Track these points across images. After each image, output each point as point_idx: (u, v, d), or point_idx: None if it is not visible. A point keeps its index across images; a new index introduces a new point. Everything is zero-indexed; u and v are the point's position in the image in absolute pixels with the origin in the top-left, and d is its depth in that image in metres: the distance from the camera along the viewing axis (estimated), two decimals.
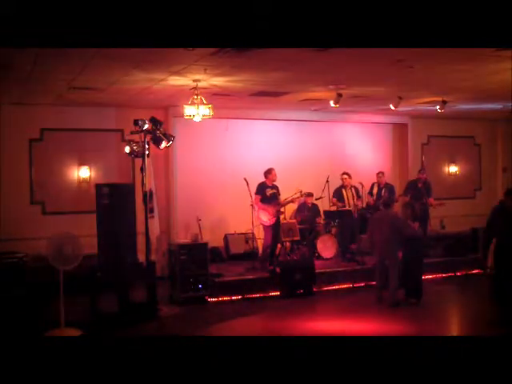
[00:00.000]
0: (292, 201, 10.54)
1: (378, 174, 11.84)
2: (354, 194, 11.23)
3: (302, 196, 10.62)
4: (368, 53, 6.71)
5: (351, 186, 11.28)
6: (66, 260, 7.39)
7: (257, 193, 10.20)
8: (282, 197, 10.48)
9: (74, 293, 7.96)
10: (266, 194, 10.16)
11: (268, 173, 10.28)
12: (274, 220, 10.17)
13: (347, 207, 11.16)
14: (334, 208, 11.36)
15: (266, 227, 10.18)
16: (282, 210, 10.53)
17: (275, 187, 10.34)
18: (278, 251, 10.69)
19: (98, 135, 10.84)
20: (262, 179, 10.36)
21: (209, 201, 11.55)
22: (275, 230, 10.26)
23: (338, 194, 11.28)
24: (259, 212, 10.11)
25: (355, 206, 11.11)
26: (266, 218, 10.08)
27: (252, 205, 10.16)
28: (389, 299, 8.60)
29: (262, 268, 10.04)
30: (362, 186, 11.41)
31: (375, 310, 8.51)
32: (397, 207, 10.99)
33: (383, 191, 11.63)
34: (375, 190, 11.82)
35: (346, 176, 11.30)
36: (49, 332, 7.21)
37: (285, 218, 10.80)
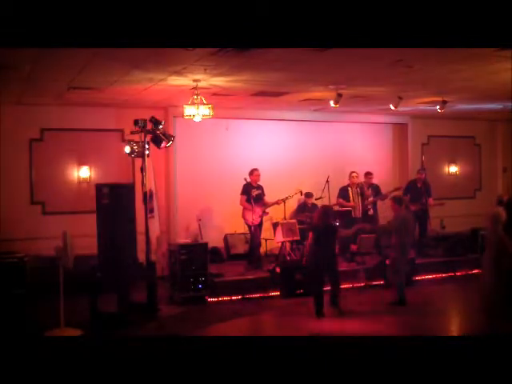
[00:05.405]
0: (277, 202, 10.58)
1: (366, 174, 11.76)
2: (359, 193, 11.25)
3: (287, 198, 10.65)
4: (368, 53, 6.71)
5: (357, 186, 11.30)
6: (69, 259, 7.45)
7: (242, 193, 10.38)
8: (281, 197, 10.54)
9: (74, 293, 7.96)
10: (252, 194, 10.31)
11: (250, 173, 10.44)
12: (258, 220, 10.35)
13: (352, 203, 11.16)
14: (335, 208, 11.35)
15: (253, 227, 10.24)
16: (267, 210, 10.67)
17: (260, 188, 10.47)
18: (278, 251, 10.73)
19: (98, 135, 10.84)
20: (263, 179, 10.42)
21: (209, 201, 11.55)
22: (260, 229, 10.52)
23: (343, 193, 11.25)
24: (244, 212, 10.34)
25: (363, 204, 11.14)
26: (250, 218, 10.17)
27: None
28: (399, 297, 8.66)
29: (257, 268, 10.11)
30: (362, 186, 11.42)
31: (375, 310, 8.52)
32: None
33: (370, 191, 11.62)
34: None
35: (355, 174, 11.32)
36: (49, 332, 7.22)
37: (285, 218, 10.81)
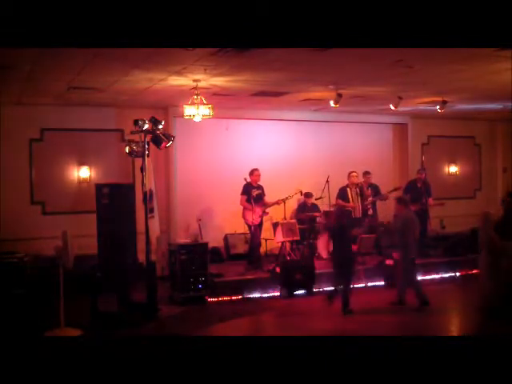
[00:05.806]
0: (277, 203, 10.58)
1: (364, 173, 11.71)
2: (358, 193, 11.23)
3: (287, 198, 10.64)
4: (368, 53, 6.71)
5: (356, 186, 11.26)
6: (70, 259, 7.46)
7: (242, 193, 10.39)
8: (281, 197, 10.55)
9: (74, 293, 7.96)
10: (252, 194, 10.33)
11: (251, 173, 10.46)
12: (258, 220, 10.36)
13: (351, 204, 11.15)
14: (333, 208, 11.33)
15: (253, 227, 10.25)
16: (267, 210, 10.67)
17: (260, 188, 10.49)
18: (278, 251, 10.73)
19: (97, 135, 10.85)
20: (263, 179, 10.42)
21: (209, 201, 11.55)
22: (260, 229, 10.53)
23: (342, 194, 11.23)
24: (244, 212, 10.35)
25: (363, 204, 11.15)
26: (250, 218, 10.19)
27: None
28: (399, 297, 8.67)
29: (257, 268, 10.11)
30: (362, 187, 11.41)
31: (376, 310, 8.53)
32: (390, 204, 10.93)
33: (369, 191, 11.61)
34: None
35: (355, 174, 11.28)
36: (49, 332, 7.21)
37: (285, 218, 10.81)
